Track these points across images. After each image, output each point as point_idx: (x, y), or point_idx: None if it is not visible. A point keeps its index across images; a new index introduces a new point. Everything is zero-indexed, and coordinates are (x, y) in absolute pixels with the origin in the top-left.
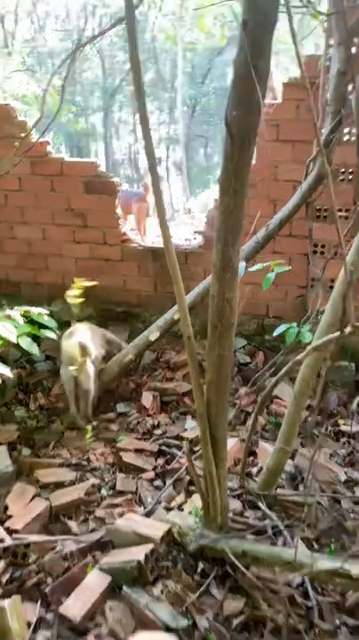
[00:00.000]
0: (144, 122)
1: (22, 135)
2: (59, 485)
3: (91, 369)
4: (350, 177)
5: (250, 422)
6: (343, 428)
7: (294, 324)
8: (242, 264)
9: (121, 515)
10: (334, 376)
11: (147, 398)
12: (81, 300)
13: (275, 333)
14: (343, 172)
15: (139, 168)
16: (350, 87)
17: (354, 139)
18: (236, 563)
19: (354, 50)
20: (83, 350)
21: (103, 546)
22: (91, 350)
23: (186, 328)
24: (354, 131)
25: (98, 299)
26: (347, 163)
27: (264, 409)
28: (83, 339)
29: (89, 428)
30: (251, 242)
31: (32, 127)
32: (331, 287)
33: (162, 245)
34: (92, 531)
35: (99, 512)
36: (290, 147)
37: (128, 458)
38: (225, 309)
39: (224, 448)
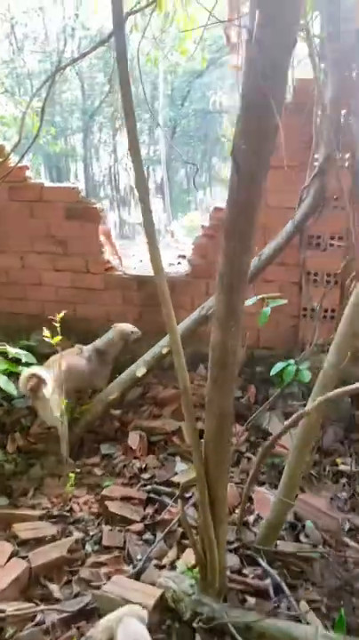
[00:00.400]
0: (134, 152)
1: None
2: (39, 542)
3: (47, 401)
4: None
5: (245, 463)
6: (342, 467)
7: (292, 362)
8: (253, 299)
9: (107, 575)
10: (329, 410)
11: (133, 439)
12: (58, 338)
13: (272, 372)
14: (336, 199)
15: (120, 189)
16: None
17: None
18: None
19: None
20: (31, 380)
21: (88, 615)
22: (46, 380)
23: (182, 378)
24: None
25: (79, 330)
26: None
27: (264, 459)
28: (39, 368)
29: (71, 475)
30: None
31: (10, 151)
32: (331, 317)
33: (147, 273)
34: (76, 595)
35: (84, 572)
36: (280, 172)
37: (114, 507)
38: (227, 361)
39: (224, 508)
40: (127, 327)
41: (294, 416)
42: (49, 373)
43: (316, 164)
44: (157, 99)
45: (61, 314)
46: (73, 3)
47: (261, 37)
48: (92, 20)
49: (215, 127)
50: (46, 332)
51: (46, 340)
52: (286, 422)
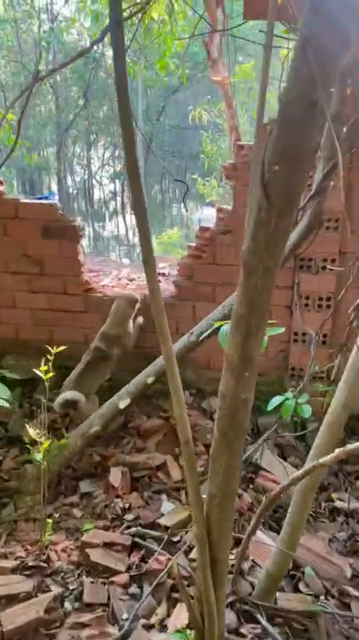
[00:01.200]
0: (132, 175)
1: None
2: (12, 599)
3: (84, 412)
4: (336, 225)
5: (236, 501)
6: (338, 504)
7: (289, 396)
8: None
9: (90, 639)
10: None
11: (115, 475)
12: (50, 374)
13: (269, 407)
14: (328, 220)
15: (94, 202)
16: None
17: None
18: None
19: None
20: (67, 407)
21: None
22: (80, 399)
23: (183, 429)
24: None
25: (56, 355)
26: (334, 210)
27: (267, 511)
28: (71, 394)
29: (48, 521)
30: (233, 296)
31: None
32: (323, 342)
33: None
34: None
35: (63, 636)
36: None
37: (96, 556)
38: (239, 413)
39: (225, 569)
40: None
41: (308, 468)
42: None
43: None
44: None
45: (59, 348)
46: (48, 16)
47: (308, 35)
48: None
49: (190, 143)
50: (43, 367)
51: (22, 362)
52: (295, 474)
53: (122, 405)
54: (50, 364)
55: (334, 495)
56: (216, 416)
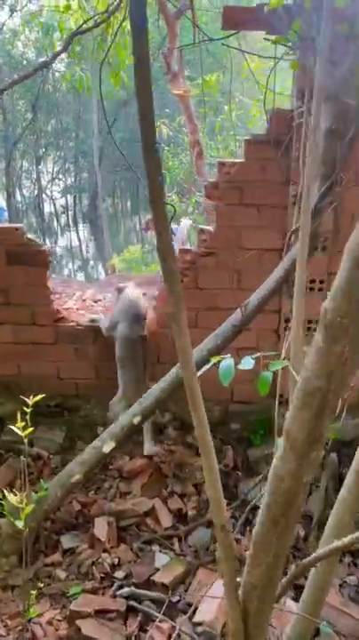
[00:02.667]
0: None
1: None
2: None
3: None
4: (324, 245)
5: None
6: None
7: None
8: (249, 360)
9: None
10: (314, 470)
11: (100, 527)
12: (29, 430)
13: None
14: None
15: (45, 217)
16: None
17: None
18: None
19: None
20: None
21: None
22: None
23: (218, 512)
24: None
25: (25, 391)
26: (322, 229)
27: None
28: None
29: (32, 592)
30: (227, 325)
31: None
32: None
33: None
34: None
35: None
36: (254, 211)
37: (88, 628)
38: (297, 497)
39: None
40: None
41: (327, 550)
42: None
43: (300, 201)
44: (81, 127)
45: (38, 397)
46: None
47: None
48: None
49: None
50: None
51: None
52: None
53: (106, 449)
54: (27, 415)
55: None
56: (265, 499)
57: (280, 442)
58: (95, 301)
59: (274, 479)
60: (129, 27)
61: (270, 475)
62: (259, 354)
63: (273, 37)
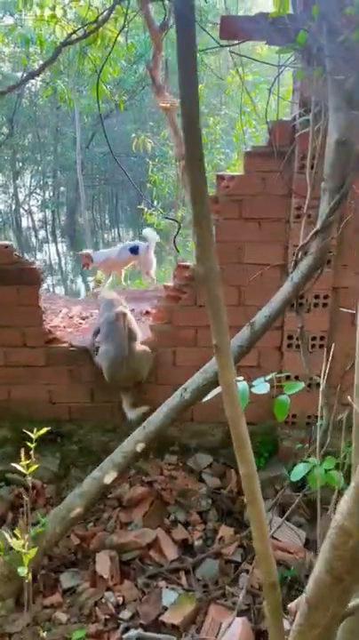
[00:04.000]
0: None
1: None
2: None
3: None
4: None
5: (245, 579)
6: None
7: (315, 461)
8: (265, 384)
9: None
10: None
11: (102, 563)
12: (34, 467)
13: (294, 478)
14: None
15: (23, 231)
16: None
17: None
18: None
19: None
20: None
21: None
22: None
23: (268, 569)
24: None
25: (15, 416)
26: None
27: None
28: None
29: None
30: (233, 346)
31: None
32: (317, 385)
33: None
34: None
35: None
36: (255, 226)
37: None
38: None
39: None
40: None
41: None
42: None
43: (313, 216)
44: (60, 141)
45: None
46: None
47: None
48: None
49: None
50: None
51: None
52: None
53: (107, 480)
54: (32, 451)
55: None
56: (325, 554)
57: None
58: (83, 319)
59: (339, 534)
60: (116, 38)
61: (334, 529)
62: (272, 375)
63: (275, 47)
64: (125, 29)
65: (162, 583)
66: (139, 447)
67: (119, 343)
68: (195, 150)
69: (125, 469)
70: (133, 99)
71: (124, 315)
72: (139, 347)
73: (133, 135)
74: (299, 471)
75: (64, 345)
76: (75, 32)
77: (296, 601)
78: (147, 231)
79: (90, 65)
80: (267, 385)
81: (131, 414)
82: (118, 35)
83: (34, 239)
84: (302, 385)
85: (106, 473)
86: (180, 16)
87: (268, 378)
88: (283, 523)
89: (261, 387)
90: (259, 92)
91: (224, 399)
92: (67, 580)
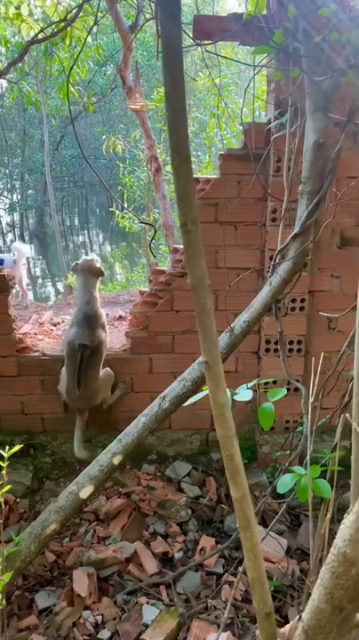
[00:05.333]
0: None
1: None
2: None
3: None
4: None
5: (227, 592)
6: None
7: (302, 471)
8: (248, 391)
9: None
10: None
11: (79, 580)
12: (7, 488)
13: (281, 490)
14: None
15: None
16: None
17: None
18: None
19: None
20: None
21: None
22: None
23: (262, 594)
24: None
25: None
26: None
27: None
28: None
29: None
30: None
31: None
32: (295, 390)
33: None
34: None
35: None
36: (231, 230)
37: None
38: None
39: None
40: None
41: None
42: None
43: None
44: (27, 143)
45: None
46: None
47: None
48: None
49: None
50: None
51: None
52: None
53: (84, 495)
54: (3, 470)
55: None
56: (324, 582)
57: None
58: (54, 325)
59: (341, 561)
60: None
61: (334, 556)
62: (255, 381)
63: (244, 49)
64: (94, 30)
65: (142, 599)
66: (117, 460)
67: (72, 372)
68: (183, 152)
69: (103, 483)
70: (102, 101)
71: (85, 346)
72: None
73: (103, 137)
74: (285, 483)
75: (36, 354)
76: (42, 31)
77: (288, 626)
78: (17, 245)
79: (57, 66)
80: (250, 392)
81: (79, 452)
82: (88, 34)
83: (1, 243)
84: (285, 392)
85: (82, 487)
86: (166, 12)
87: (251, 384)
88: (267, 534)
89: (244, 394)
90: (227, 95)
91: (215, 420)
92: (42, 599)
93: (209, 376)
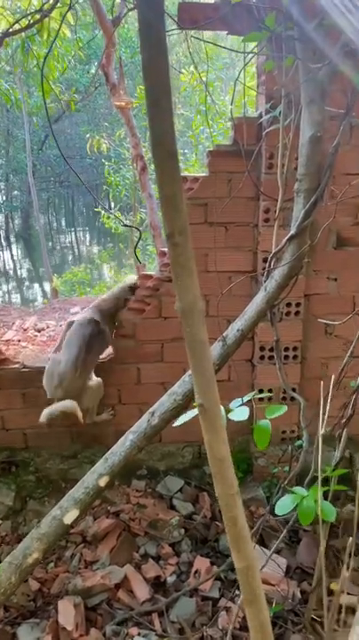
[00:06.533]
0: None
1: None
2: None
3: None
4: None
5: (224, 618)
6: (346, 600)
7: (304, 492)
8: (244, 409)
9: None
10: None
11: (64, 611)
12: None
13: (280, 511)
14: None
15: None
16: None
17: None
18: None
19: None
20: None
21: None
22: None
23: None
24: None
25: None
26: None
27: None
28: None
29: None
30: None
31: None
32: (292, 399)
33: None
34: None
35: None
36: (222, 231)
37: None
38: None
39: None
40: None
41: None
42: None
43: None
44: (11, 144)
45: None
46: None
47: None
48: None
49: (77, 173)
50: None
51: None
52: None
53: (68, 520)
54: None
55: (334, 585)
56: None
57: None
58: (38, 331)
59: None
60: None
61: None
62: (250, 395)
63: (238, 38)
64: (72, 22)
65: (133, 629)
66: (103, 481)
67: (75, 352)
68: (167, 145)
69: (88, 506)
70: (87, 100)
71: (96, 322)
72: (90, 381)
73: (88, 136)
74: (285, 505)
75: (15, 366)
76: (17, 22)
77: None
78: None
79: (35, 61)
80: (246, 410)
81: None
82: (62, 20)
83: None
84: (285, 408)
85: (66, 512)
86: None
87: (246, 398)
88: (269, 558)
89: (240, 413)
90: (212, 91)
91: (214, 477)
92: (25, 634)
93: (205, 423)
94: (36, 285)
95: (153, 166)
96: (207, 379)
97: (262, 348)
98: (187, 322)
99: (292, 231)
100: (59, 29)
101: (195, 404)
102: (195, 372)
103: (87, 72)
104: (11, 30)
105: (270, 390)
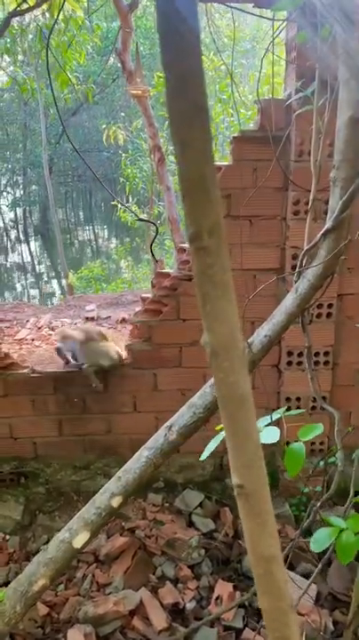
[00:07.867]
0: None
1: None
2: None
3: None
4: None
5: None
6: None
7: (342, 522)
8: (274, 430)
9: None
10: None
11: (75, 639)
12: None
13: (314, 548)
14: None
15: None
16: None
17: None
18: None
19: None
20: None
21: None
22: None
23: None
24: None
25: None
26: None
27: None
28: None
29: None
30: None
31: None
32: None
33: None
34: None
35: None
36: (246, 225)
37: None
38: None
39: None
40: None
41: None
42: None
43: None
44: (29, 138)
45: None
46: None
47: None
48: None
49: (95, 166)
50: None
51: None
52: None
53: (78, 544)
54: None
55: None
56: None
57: None
58: (52, 329)
59: None
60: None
61: None
62: (281, 411)
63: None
64: (86, 6)
65: None
66: (116, 501)
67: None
68: (195, 97)
69: (100, 528)
70: (104, 92)
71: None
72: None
73: (104, 127)
74: (321, 539)
75: (24, 370)
76: (25, 1)
77: None
78: None
79: (52, 50)
80: (277, 431)
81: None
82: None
83: (5, 240)
84: (321, 428)
85: (76, 534)
86: None
87: (276, 417)
88: (302, 595)
89: (270, 434)
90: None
91: (257, 583)
92: None
93: (245, 509)
94: (54, 281)
95: (171, 157)
96: (249, 450)
97: (290, 353)
98: (220, 366)
99: (328, 225)
100: (63, 3)
101: (217, 428)
102: (230, 442)
103: (105, 64)
104: (20, 10)
105: (298, 399)
